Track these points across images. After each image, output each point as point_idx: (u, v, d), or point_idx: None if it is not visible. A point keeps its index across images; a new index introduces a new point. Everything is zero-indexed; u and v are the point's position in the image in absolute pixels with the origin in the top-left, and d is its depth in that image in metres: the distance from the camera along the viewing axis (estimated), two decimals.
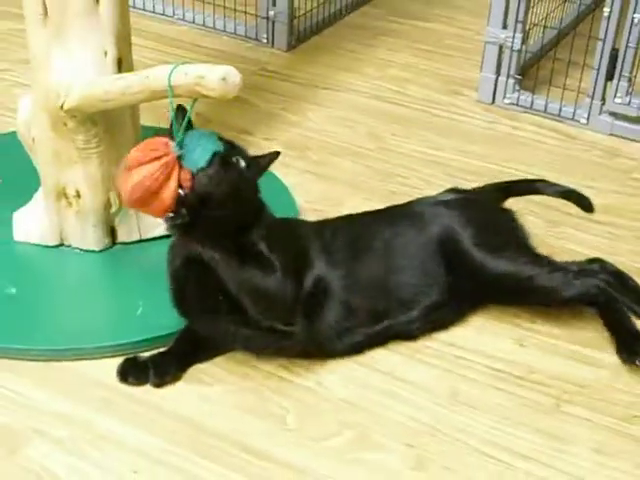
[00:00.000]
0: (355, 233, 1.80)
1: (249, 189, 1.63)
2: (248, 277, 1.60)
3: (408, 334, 1.78)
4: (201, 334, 1.71)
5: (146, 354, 1.70)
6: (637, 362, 1.72)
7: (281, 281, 1.61)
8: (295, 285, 1.64)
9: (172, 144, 1.54)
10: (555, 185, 2.05)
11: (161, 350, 1.70)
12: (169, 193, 1.52)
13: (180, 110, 1.58)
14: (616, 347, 1.76)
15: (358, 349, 1.75)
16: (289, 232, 1.75)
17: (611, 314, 1.80)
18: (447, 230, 1.81)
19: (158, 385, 1.66)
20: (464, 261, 1.79)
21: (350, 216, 1.90)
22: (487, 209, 1.96)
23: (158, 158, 1.52)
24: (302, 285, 1.66)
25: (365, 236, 1.80)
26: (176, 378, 1.68)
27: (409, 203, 1.94)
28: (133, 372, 1.67)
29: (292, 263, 1.65)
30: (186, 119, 1.56)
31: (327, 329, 1.69)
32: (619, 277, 1.88)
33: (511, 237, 1.88)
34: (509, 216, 1.94)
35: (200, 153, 1.54)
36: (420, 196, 2.04)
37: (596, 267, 1.88)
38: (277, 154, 1.65)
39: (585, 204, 2.02)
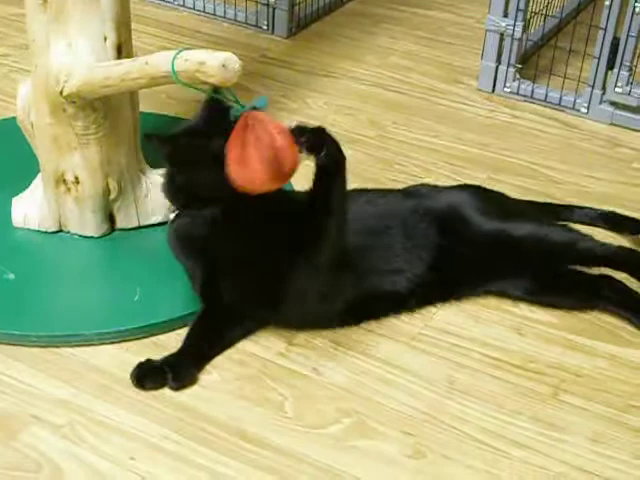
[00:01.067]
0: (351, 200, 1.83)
1: None
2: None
3: (399, 299, 1.79)
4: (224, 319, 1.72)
5: (159, 357, 1.67)
6: None
7: None
8: None
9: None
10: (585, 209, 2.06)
11: (174, 352, 1.68)
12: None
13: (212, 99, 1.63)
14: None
15: (352, 309, 1.76)
16: None
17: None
18: (448, 203, 1.84)
19: (177, 389, 1.63)
20: (469, 233, 1.80)
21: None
22: (493, 192, 1.98)
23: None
24: None
25: (360, 202, 1.83)
26: (194, 380, 1.66)
27: (408, 186, 1.99)
28: (150, 377, 1.64)
29: None
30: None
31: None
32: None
33: (522, 210, 1.92)
34: (520, 203, 1.97)
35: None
36: None
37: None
38: None
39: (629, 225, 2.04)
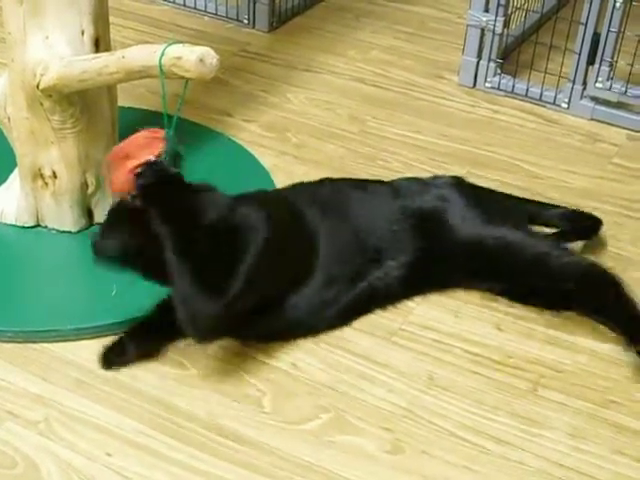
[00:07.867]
0: (327, 196, 1.82)
1: None
2: (179, 272, 1.55)
3: (387, 292, 1.78)
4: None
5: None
6: None
7: (216, 302, 1.55)
8: (243, 300, 1.59)
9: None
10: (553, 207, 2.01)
11: (135, 323, 1.69)
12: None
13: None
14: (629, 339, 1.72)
15: (343, 317, 1.76)
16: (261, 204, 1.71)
17: (620, 299, 1.74)
18: (430, 204, 1.83)
19: (139, 356, 1.65)
20: (450, 236, 1.79)
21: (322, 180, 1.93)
22: (479, 188, 1.97)
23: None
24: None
25: (338, 199, 1.81)
26: (154, 347, 1.67)
27: (395, 180, 1.97)
28: (113, 351, 1.65)
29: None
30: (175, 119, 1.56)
31: (310, 303, 1.70)
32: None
33: (504, 214, 1.88)
34: (505, 201, 1.95)
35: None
36: None
37: None
38: None
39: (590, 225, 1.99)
